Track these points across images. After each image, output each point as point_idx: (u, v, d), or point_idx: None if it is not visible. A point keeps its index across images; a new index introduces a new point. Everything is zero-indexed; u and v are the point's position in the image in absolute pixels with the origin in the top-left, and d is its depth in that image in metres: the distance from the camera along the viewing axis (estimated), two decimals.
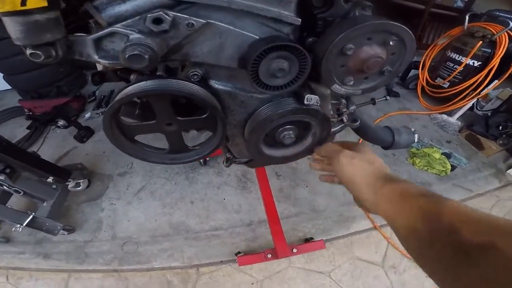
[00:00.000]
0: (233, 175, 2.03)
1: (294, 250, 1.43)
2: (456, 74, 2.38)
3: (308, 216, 1.78)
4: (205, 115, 0.60)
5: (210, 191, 1.92)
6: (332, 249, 1.59)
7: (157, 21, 0.46)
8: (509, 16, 2.11)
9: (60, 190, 1.60)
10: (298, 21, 0.53)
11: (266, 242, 1.62)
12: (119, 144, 0.63)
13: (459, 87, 2.36)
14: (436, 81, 2.59)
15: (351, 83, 0.60)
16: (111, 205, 1.81)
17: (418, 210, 0.38)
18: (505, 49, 2.07)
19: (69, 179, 1.58)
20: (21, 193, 1.46)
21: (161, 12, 0.45)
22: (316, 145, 0.74)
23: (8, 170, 1.38)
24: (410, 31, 0.53)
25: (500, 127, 2.25)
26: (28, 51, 0.44)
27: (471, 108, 2.55)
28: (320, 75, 0.57)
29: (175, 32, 0.49)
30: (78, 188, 1.68)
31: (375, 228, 1.67)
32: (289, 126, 0.67)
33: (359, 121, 0.83)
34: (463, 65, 2.29)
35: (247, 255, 1.45)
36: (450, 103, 2.50)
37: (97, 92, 2.84)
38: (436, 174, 2.08)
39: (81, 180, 1.66)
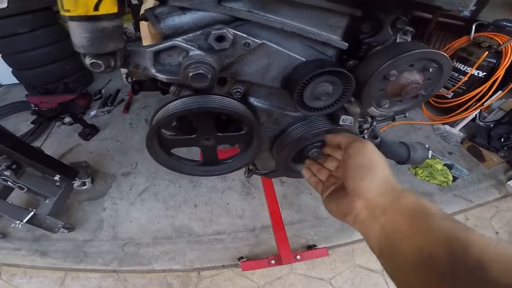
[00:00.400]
0: (238, 180, 1.98)
1: (298, 257, 1.39)
2: (460, 85, 2.35)
3: (311, 223, 1.74)
4: (243, 132, 0.57)
5: (214, 195, 1.87)
6: (334, 256, 1.55)
7: (220, 38, 0.44)
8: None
9: (63, 188, 1.56)
10: (345, 45, 0.52)
11: (269, 248, 1.58)
12: (157, 157, 0.59)
13: (463, 98, 2.33)
14: (440, 91, 2.56)
15: (387, 106, 0.59)
16: (114, 205, 1.76)
17: (443, 234, 0.30)
18: (510, 59, 2.04)
19: (76, 178, 1.53)
20: (25, 190, 1.42)
21: (225, 30, 0.42)
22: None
23: (14, 166, 1.34)
24: (450, 59, 0.51)
25: (502, 139, 2.22)
26: (89, 60, 0.41)
27: (474, 119, 2.52)
28: (359, 97, 0.54)
29: (231, 50, 0.47)
30: (84, 187, 1.63)
31: None
32: (318, 143, 0.64)
33: (379, 138, 0.80)
34: (468, 75, 2.26)
35: (251, 261, 1.41)
36: (453, 113, 2.46)
37: (103, 90, 2.80)
38: (437, 184, 2.05)
39: (87, 179, 1.61)
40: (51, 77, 2.46)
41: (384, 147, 0.94)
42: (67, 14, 0.36)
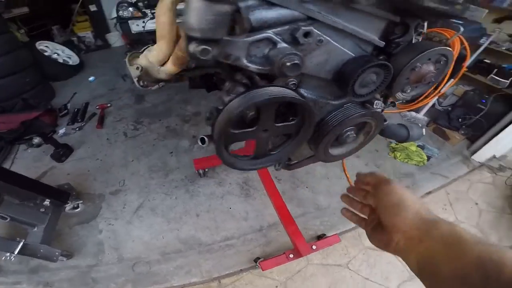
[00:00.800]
0: (235, 183, 2.03)
1: (314, 247, 1.49)
2: None
3: (313, 214, 1.86)
4: (294, 121, 0.65)
5: (214, 202, 1.89)
6: (344, 242, 1.68)
7: (307, 34, 0.51)
8: (460, 22, 2.51)
9: (50, 214, 1.45)
10: (382, 44, 0.63)
11: (280, 245, 1.66)
12: (222, 154, 0.63)
13: None
14: None
15: (409, 91, 0.74)
16: (109, 226, 1.68)
17: (476, 257, 0.34)
18: (457, 52, 2.45)
19: (68, 201, 1.44)
20: (7, 219, 1.31)
21: (311, 27, 0.49)
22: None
23: None
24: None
25: (460, 120, 2.63)
26: (196, 46, 0.43)
27: (433, 105, 2.94)
28: (389, 85, 0.68)
29: (307, 45, 0.53)
30: (76, 210, 1.53)
31: None
32: (352, 127, 0.76)
33: (387, 121, 0.95)
34: None
35: (269, 259, 1.47)
36: (416, 101, 2.84)
37: (69, 105, 2.61)
38: (415, 164, 2.34)
39: (79, 202, 1.52)
40: (6, 93, 2.22)
41: (389, 129, 1.11)
42: None
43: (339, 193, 1.98)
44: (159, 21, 0.76)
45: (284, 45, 0.51)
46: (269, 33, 0.50)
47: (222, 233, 1.72)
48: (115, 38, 4.30)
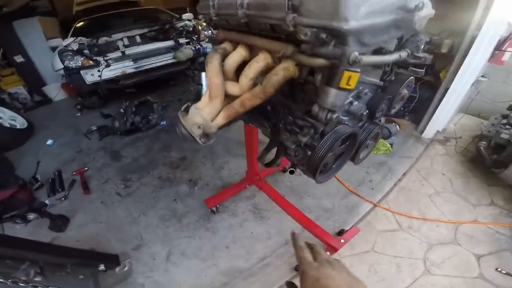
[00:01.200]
0: (247, 211, 2.34)
1: (342, 241, 1.89)
2: None
3: (324, 216, 2.27)
4: (347, 143, 1.05)
5: (235, 232, 2.16)
6: (360, 232, 2.10)
7: (366, 93, 0.94)
8: None
9: (91, 278, 1.55)
10: (381, 83, 1.09)
11: None
12: (316, 177, 0.98)
13: None
14: None
15: (396, 106, 1.22)
16: (149, 278, 1.82)
17: None
18: None
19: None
20: None
21: (367, 89, 0.93)
22: None
23: (39, 270, 1.34)
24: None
25: (402, 108, 3.42)
26: (333, 115, 0.80)
27: None
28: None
29: (362, 99, 0.96)
30: (125, 269, 1.65)
31: (375, 205, 2.34)
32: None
33: None
34: None
35: None
36: None
37: (38, 176, 2.54)
38: (384, 153, 2.97)
39: (128, 260, 1.64)
40: None
41: None
42: (346, 87, 0.74)
43: (337, 193, 2.51)
44: (212, 82, 1.01)
45: (356, 102, 0.93)
46: (351, 98, 0.91)
47: (255, 255, 1.99)
48: (55, 91, 4.10)
